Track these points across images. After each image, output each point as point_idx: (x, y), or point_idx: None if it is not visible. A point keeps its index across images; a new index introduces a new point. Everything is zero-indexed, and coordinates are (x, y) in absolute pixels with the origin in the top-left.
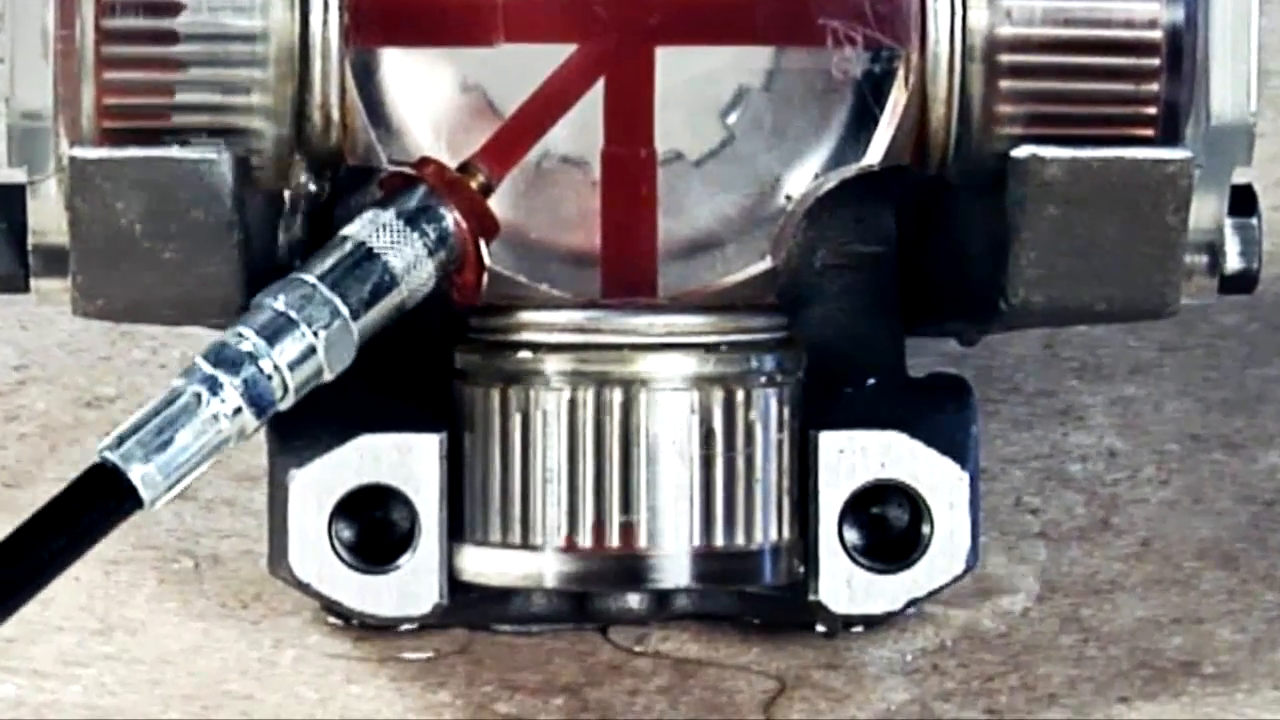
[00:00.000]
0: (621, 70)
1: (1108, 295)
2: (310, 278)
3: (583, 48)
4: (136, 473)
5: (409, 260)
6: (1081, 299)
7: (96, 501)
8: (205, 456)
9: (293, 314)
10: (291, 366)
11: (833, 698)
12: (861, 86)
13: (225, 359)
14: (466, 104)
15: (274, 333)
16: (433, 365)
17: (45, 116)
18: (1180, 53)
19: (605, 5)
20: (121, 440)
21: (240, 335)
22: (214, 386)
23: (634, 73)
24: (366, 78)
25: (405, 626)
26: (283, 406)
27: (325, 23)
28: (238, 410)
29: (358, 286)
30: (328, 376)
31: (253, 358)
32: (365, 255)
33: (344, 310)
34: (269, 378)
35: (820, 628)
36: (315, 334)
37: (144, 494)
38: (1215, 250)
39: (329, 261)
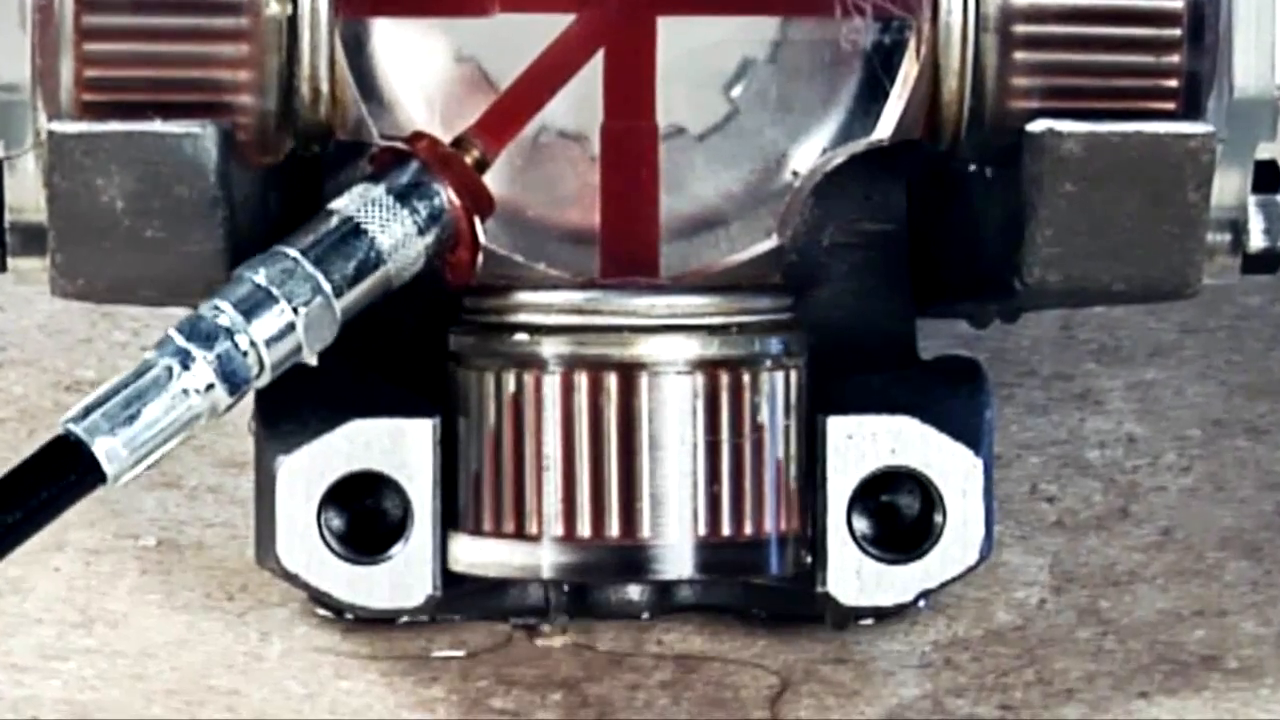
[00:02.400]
0: (622, 41)
1: (1126, 275)
2: (293, 252)
3: (581, 17)
4: (100, 446)
5: (397, 238)
6: (1099, 279)
7: (57, 475)
8: (174, 432)
9: (273, 289)
10: (268, 343)
11: (841, 693)
12: (871, 58)
13: (199, 332)
14: (461, 76)
15: (252, 307)
16: (426, 348)
17: (22, 89)
18: (1202, 22)
19: None
20: (87, 412)
21: (217, 309)
22: (186, 360)
23: (635, 44)
24: (357, 49)
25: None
26: (258, 384)
27: None
28: (210, 386)
29: (342, 263)
30: (307, 354)
31: (228, 332)
32: (351, 231)
33: (326, 287)
34: (244, 354)
35: (829, 620)
36: (295, 310)
37: (107, 468)
38: (1238, 228)
39: (313, 236)
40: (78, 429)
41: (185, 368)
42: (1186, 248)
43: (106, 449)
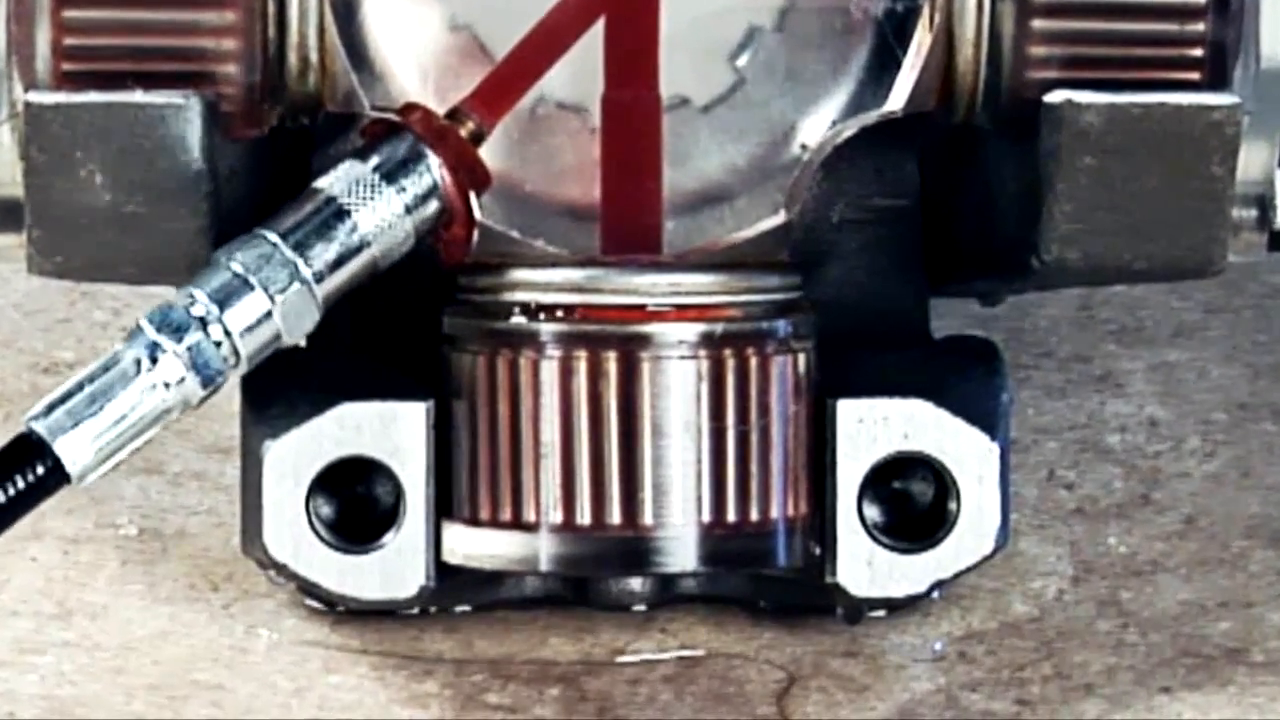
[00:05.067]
0: (623, 8)
1: (1148, 252)
2: (272, 235)
3: None
4: (64, 445)
5: (383, 220)
6: (1120, 256)
7: (19, 476)
8: (143, 428)
9: (249, 275)
10: (244, 333)
11: (851, 688)
12: (883, 26)
13: (170, 323)
14: (455, 45)
15: (227, 295)
16: (419, 328)
17: None
18: None
19: None
20: (50, 409)
21: (190, 297)
22: (154, 352)
23: (637, 11)
24: (347, 17)
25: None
26: (234, 375)
27: None
28: (180, 379)
29: (323, 247)
30: (286, 342)
31: (202, 323)
32: (335, 213)
33: (306, 272)
34: (217, 344)
35: (839, 613)
36: (272, 298)
37: (71, 469)
38: (1265, 204)
39: (295, 218)
40: (39, 427)
41: (154, 360)
42: (1211, 224)
43: (70, 448)
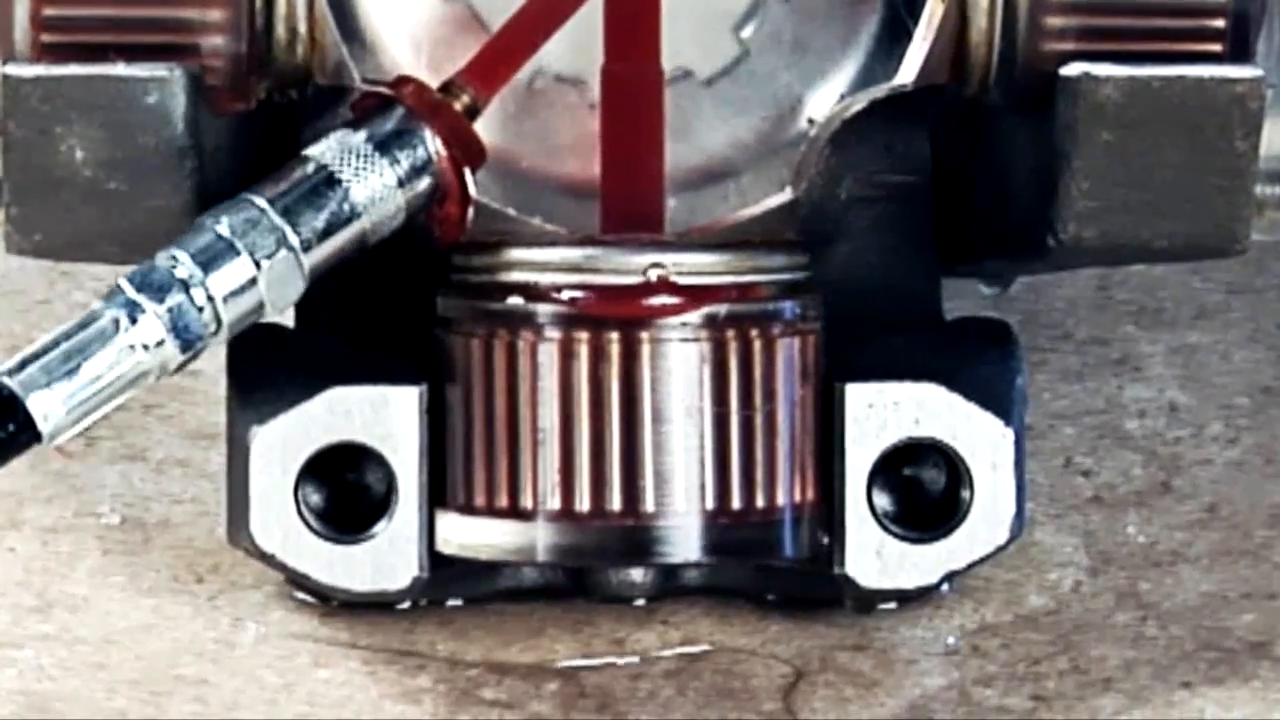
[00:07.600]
0: None
1: (1169, 231)
2: (260, 200)
3: None
4: (36, 402)
5: (375, 190)
6: (1139, 235)
7: None
8: (119, 390)
9: (235, 239)
10: (227, 298)
11: (860, 683)
12: None
13: (151, 283)
14: (450, 16)
15: (211, 258)
16: (412, 310)
17: None
18: None
19: None
20: (24, 364)
21: (173, 258)
22: (134, 313)
23: None
24: None
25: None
26: (215, 341)
27: None
28: (160, 341)
29: (312, 215)
30: (270, 312)
31: (184, 285)
32: (325, 180)
33: (293, 240)
34: (199, 308)
35: (847, 604)
36: (257, 264)
37: (42, 426)
38: None
39: (284, 184)
40: (12, 383)
41: (133, 321)
42: (1233, 201)
43: (42, 405)
